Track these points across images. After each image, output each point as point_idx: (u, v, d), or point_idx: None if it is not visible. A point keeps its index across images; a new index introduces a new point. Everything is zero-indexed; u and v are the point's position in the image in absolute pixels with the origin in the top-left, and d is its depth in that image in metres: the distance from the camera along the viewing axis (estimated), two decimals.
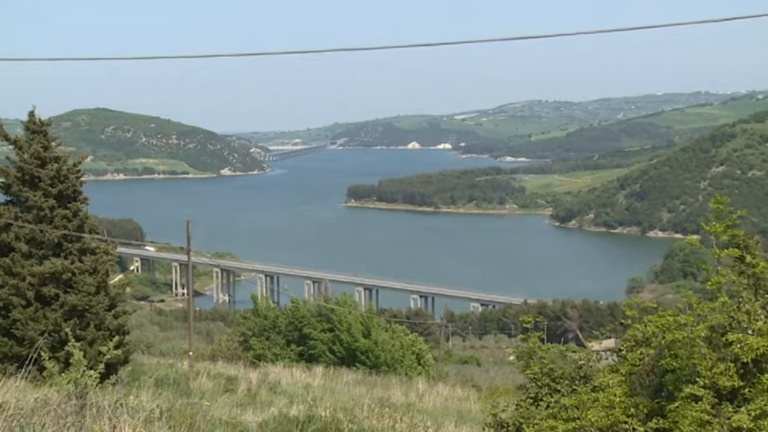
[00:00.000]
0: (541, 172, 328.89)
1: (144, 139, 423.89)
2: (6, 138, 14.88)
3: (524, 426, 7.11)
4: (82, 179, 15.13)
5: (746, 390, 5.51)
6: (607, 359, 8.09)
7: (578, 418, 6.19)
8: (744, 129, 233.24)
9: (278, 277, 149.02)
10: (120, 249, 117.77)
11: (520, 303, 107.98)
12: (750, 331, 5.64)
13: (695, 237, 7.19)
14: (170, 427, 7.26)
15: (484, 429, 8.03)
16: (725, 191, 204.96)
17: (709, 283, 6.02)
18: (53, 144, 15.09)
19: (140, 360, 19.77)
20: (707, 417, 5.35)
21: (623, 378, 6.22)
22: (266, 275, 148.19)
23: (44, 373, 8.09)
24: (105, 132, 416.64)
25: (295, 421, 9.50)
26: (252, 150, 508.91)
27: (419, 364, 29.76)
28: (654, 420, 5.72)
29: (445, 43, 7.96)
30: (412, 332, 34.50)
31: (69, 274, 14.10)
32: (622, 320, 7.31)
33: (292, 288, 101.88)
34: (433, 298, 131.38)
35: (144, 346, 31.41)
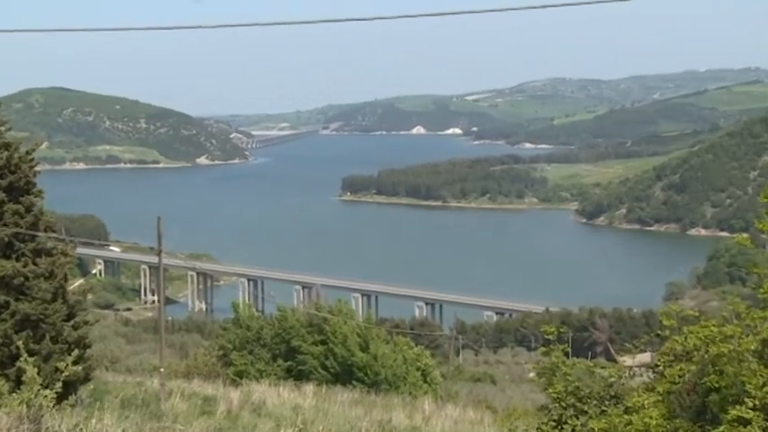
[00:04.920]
0: (566, 161, 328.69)
1: (108, 123, 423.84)
2: None
3: None
4: (36, 169, 15.10)
5: None
6: (641, 376, 8.08)
7: None
8: None
9: (262, 282, 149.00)
10: (81, 250, 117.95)
11: (541, 312, 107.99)
12: None
13: (744, 235, 7.15)
14: None
15: None
16: None
17: (762, 289, 6.00)
18: (2, 129, 15.07)
19: (104, 377, 19.76)
20: None
21: (660, 398, 6.20)
22: (249, 280, 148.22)
23: None
24: (63, 115, 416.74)
25: None
26: (232, 136, 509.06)
27: (425, 381, 29.78)
28: None
29: (452, 13, 7.94)
30: (417, 345, 34.51)
31: (21, 279, 14.08)
32: (659, 332, 7.30)
33: (279, 294, 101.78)
34: (440, 305, 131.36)
35: (108, 362, 31.43)
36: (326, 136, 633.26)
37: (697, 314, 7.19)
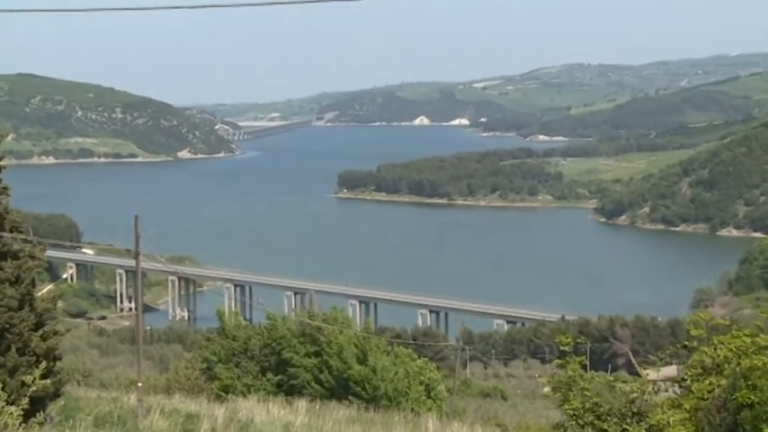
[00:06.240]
0: (583, 154, 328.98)
1: (80, 113, 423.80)
2: None
3: None
4: (1, 163, 15.10)
5: None
6: (667, 391, 8.08)
7: None
8: None
9: (250, 287, 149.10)
10: (50, 252, 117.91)
11: (556, 320, 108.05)
12: None
13: None
14: None
15: None
16: None
17: None
18: None
19: (75, 393, 19.76)
20: None
21: (687, 415, 6.20)
22: (235, 285, 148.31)
23: None
24: (30, 104, 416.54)
25: None
26: (217, 127, 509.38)
27: (429, 396, 29.78)
28: None
29: None
30: (420, 356, 34.53)
31: None
32: (686, 342, 7.31)
33: (268, 301, 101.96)
34: (446, 313, 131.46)
35: (80, 376, 31.43)
36: (321, 127, 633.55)
37: (728, 323, 7.20)
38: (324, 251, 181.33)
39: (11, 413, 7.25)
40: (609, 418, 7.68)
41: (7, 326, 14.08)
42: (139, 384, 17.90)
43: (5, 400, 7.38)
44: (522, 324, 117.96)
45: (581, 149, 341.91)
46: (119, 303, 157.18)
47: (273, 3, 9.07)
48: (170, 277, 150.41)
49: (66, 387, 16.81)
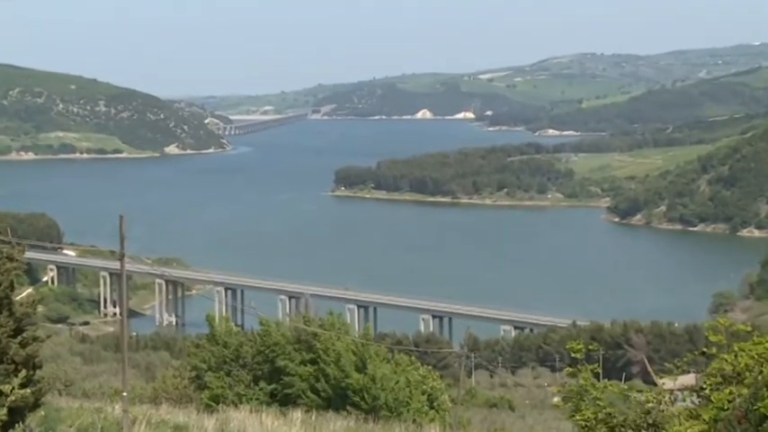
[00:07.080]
0: (596, 150, 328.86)
1: (61, 106, 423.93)
2: None
3: None
4: None
5: None
6: (684, 401, 8.08)
7: None
8: None
9: (242, 291, 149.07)
10: (30, 254, 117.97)
11: (567, 326, 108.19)
12: None
13: None
14: None
15: None
16: None
17: None
18: None
19: (56, 403, 19.78)
20: None
21: (706, 426, 6.20)
22: (226, 289, 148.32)
23: None
24: (9, 96, 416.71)
25: None
26: (207, 121, 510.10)
27: (431, 407, 29.79)
28: None
29: None
30: (422, 364, 34.57)
31: None
32: (705, 349, 7.31)
33: (261, 305, 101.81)
34: (449, 318, 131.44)
35: (61, 385, 31.45)
36: (317, 121, 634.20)
37: (749, 329, 7.20)
38: (320, 252, 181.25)
39: None
40: (623, 429, 7.68)
41: None
42: (124, 394, 17.90)
43: None
44: (531, 330, 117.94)
45: (593, 145, 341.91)
46: (102, 308, 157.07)
47: None
48: (157, 280, 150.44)
49: (47, 397, 16.81)
